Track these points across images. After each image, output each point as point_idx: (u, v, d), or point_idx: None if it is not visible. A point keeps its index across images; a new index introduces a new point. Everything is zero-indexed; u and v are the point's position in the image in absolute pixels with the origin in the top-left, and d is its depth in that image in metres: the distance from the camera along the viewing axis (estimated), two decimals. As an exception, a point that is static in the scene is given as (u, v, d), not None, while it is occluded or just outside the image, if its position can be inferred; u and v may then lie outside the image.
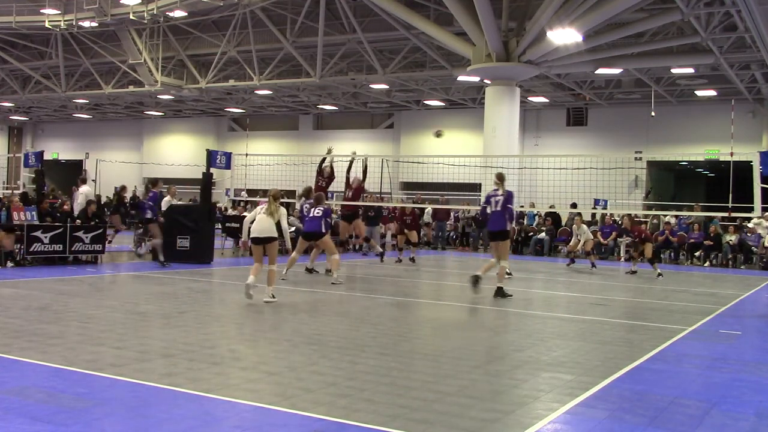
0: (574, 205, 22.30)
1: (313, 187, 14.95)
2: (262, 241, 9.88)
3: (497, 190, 11.27)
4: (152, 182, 15.98)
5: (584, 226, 19.24)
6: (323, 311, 9.61)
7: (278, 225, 9.93)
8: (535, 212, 24.35)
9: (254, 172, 19.49)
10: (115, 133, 45.48)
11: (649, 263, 17.15)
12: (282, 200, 10.32)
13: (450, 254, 23.12)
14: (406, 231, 18.54)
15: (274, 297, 9.81)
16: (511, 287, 13.20)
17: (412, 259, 18.14)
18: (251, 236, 10.08)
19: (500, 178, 11.37)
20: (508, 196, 11.19)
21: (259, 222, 9.90)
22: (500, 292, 11.05)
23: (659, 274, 16.12)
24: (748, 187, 12.83)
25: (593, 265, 18.09)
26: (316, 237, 12.76)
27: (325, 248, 13.07)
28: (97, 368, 5.60)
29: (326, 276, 13.65)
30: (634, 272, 17.27)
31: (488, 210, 11.31)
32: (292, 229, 19.53)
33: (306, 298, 10.74)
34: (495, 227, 11.28)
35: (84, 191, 16.24)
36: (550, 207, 22.78)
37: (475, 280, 11.02)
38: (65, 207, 15.25)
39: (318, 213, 12.65)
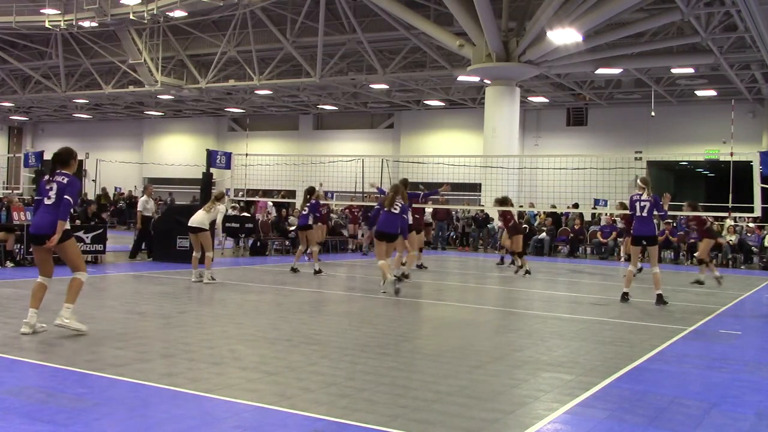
0: (575, 206, 22.30)
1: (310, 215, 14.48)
2: (193, 230, 11.99)
3: (641, 194, 11.00)
4: (309, 191, 14.76)
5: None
6: (323, 311, 9.61)
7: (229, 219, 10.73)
8: (536, 212, 24.35)
9: (254, 172, 19.49)
10: (115, 133, 45.50)
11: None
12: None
13: (450, 254, 23.11)
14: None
15: (213, 278, 11.82)
16: (512, 287, 13.20)
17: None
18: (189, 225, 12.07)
19: (645, 183, 11.16)
20: (656, 201, 11.01)
21: (196, 214, 12.03)
22: (661, 299, 10.89)
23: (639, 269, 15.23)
24: (748, 187, 12.81)
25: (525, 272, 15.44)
26: (392, 238, 11.37)
27: (398, 247, 12.18)
28: (97, 368, 5.60)
29: (326, 276, 13.66)
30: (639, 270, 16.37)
31: (635, 215, 11.04)
32: (293, 228, 19.59)
33: (306, 298, 10.74)
34: (643, 232, 10.99)
35: None
36: (552, 207, 22.77)
37: (624, 297, 11.15)
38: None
39: (396, 210, 11.29)
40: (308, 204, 14.21)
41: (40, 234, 6.93)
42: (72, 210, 7.49)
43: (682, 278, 16.92)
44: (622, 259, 21.94)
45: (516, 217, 16.06)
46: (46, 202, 6.93)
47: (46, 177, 7.07)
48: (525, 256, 15.76)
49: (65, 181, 6.95)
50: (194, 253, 12.25)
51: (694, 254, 21.36)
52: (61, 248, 7.04)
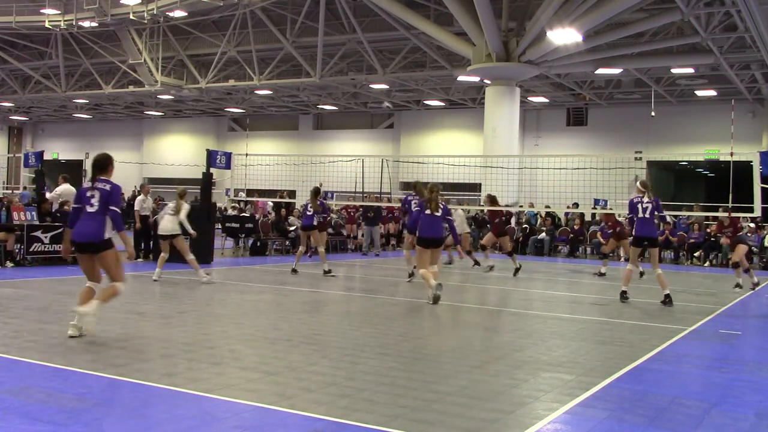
0: (576, 205, 22.31)
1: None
2: (164, 238, 11.99)
3: (642, 197, 11.11)
4: (316, 192, 14.59)
5: (460, 211, 16.89)
6: (323, 311, 9.61)
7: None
8: (536, 212, 24.35)
9: (254, 172, 19.49)
10: (115, 133, 45.50)
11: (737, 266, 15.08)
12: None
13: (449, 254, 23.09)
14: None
15: (208, 273, 11.96)
16: (512, 287, 13.19)
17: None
18: (159, 233, 12.23)
19: (645, 186, 11.28)
20: (657, 203, 11.14)
21: (164, 221, 12.04)
22: (669, 300, 10.94)
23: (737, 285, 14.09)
24: (748, 187, 12.81)
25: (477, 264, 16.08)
26: (439, 244, 10.53)
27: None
28: (97, 368, 5.60)
29: (335, 276, 13.66)
30: (602, 274, 15.92)
31: (635, 217, 11.13)
32: (293, 228, 19.59)
33: (306, 298, 10.74)
34: (646, 233, 11.04)
35: (60, 190, 16.18)
36: (546, 207, 22.76)
37: (623, 296, 11.18)
38: (66, 207, 15.22)
39: (438, 213, 10.38)
40: (318, 203, 13.94)
41: (85, 242, 6.92)
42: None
43: (681, 278, 16.91)
44: (622, 258, 21.96)
45: (505, 217, 16.09)
46: (89, 209, 6.95)
47: (87, 184, 7.13)
48: (517, 255, 15.77)
49: (108, 188, 6.99)
50: (162, 254, 12.16)
51: (714, 258, 21.37)
52: (102, 257, 6.99)
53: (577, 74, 26.99)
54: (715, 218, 21.97)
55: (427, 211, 10.21)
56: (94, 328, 6.77)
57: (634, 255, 11.49)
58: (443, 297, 10.11)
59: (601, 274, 15.90)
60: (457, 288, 12.98)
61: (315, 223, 13.98)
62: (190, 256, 12.01)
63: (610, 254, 16.28)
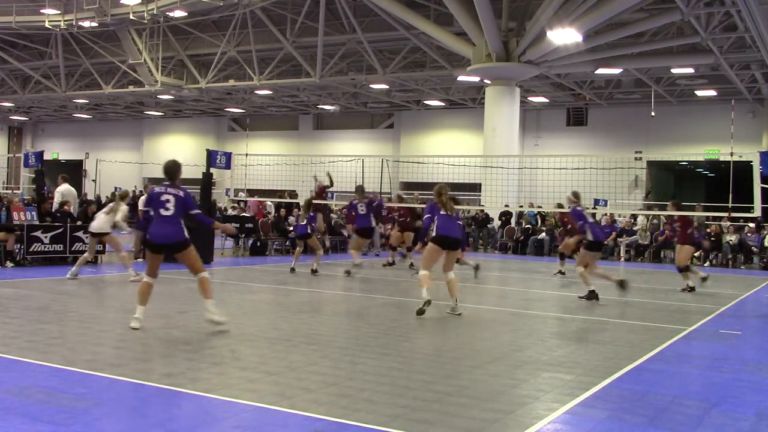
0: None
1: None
2: (95, 235, 12.02)
3: (577, 205, 11.77)
4: (308, 204, 14.83)
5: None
6: (323, 311, 9.61)
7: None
8: (536, 212, 24.33)
9: (254, 172, 19.48)
10: (115, 133, 45.50)
11: (560, 258, 15.81)
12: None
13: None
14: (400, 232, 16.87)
15: (138, 274, 10.96)
16: (511, 287, 13.18)
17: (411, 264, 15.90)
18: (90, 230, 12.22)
19: (577, 197, 11.91)
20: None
21: (97, 219, 12.01)
22: (592, 294, 11.18)
23: (560, 271, 15.25)
24: (748, 187, 12.80)
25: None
26: (457, 245, 9.83)
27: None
28: (97, 368, 5.60)
29: (321, 275, 13.67)
30: (562, 273, 15.56)
31: (585, 224, 11.53)
32: (292, 228, 19.56)
33: (306, 298, 10.74)
34: (603, 238, 11.70)
35: (61, 190, 16.21)
36: (539, 207, 22.75)
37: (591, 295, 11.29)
38: (66, 207, 15.22)
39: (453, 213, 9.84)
40: (308, 216, 14.43)
41: (163, 243, 7.53)
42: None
43: (681, 279, 16.90)
44: (622, 258, 21.96)
45: (414, 214, 15.98)
46: (164, 213, 7.48)
47: (160, 188, 7.64)
48: (518, 255, 15.68)
49: (182, 194, 7.54)
50: (86, 254, 12.24)
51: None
52: (184, 254, 7.58)
53: (577, 74, 26.99)
54: (715, 218, 22.02)
55: (442, 212, 9.50)
56: (222, 318, 7.48)
57: (590, 260, 11.49)
58: (443, 297, 10.09)
59: (561, 273, 15.63)
60: (457, 288, 12.96)
61: (309, 231, 14.47)
62: (122, 253, 12.07)
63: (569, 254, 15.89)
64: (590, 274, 11.36)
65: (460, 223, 10.81)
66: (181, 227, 7.53)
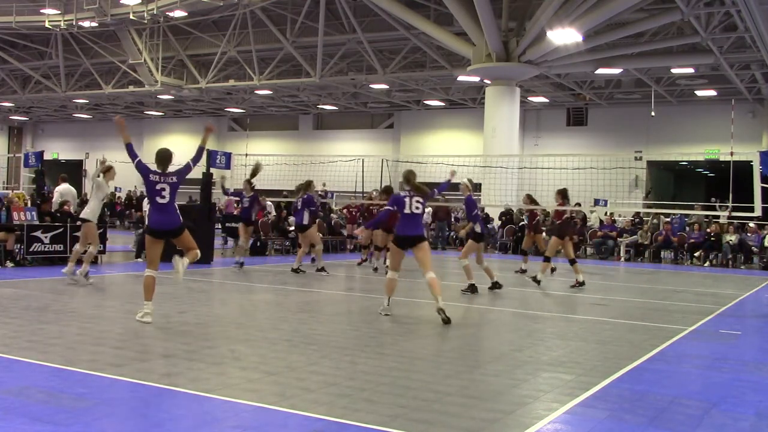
0: (578, 205, 22.29)
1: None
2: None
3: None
4: (303, 186, 14.37)
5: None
6: (323, 311, 9.61)
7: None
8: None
9: (254, 172, 19.44)
10: (115, 133, 44.73)
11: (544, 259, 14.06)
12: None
13: (450, 254, 23.09)
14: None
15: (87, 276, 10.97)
16: (511, 287, 13.19)
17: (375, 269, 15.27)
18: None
19: (470, 183, 11.96)
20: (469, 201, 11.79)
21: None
22: (472, 288, 11.66)
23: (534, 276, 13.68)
24: (748, 187, 12.81)
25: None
26: (418, 242, 8.94)
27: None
28: (97, 368, 5.60)
29: (328, 275, 13.67)
30: (523, 271, 15.10)
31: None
32: (292, 228, 19.56)
33: (306, 298, 10.74)
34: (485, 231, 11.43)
35: (60, 189, 16.21)
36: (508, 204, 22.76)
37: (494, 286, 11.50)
38: (66, 207, 15.22)
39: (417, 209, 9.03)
40: (301, 198, 13.75)
41: (163, 230, 7.97)
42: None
43: (681, 278, 16.93)
44: (622, 258, 21.96)
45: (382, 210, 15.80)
46: (159, 201, 7.92)
47: (153, 178, 7.99)
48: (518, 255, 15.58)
49: (175, 179, 8.04)
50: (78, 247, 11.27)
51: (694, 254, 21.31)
52: (181, 238, 8.10)
53: (577, 74, 26.99)
54: (716, 218, 22.03)
55: (406, 210, 8.96)
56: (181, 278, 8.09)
57: (478, 251, 11.87)
58: (443, 297, 10.07)
59: (523, 271, 15.39)
60: (457, 288, 12.97)
61: (306, 221, 13.79)
62: (91, 249, 11.15)
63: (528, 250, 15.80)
64: (473, 268, 11.59)
65: (420, 211, 9.09)
66: (176, 213, 8.02)
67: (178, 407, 4.75)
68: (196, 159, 8.62)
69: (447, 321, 8.30)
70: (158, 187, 7.93)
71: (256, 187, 15.01)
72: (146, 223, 8.49)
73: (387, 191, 14.32)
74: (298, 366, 5.98)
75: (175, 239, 8.08)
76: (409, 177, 9.11)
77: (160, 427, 4.31)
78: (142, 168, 8.15)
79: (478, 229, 11.60)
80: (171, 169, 8.26)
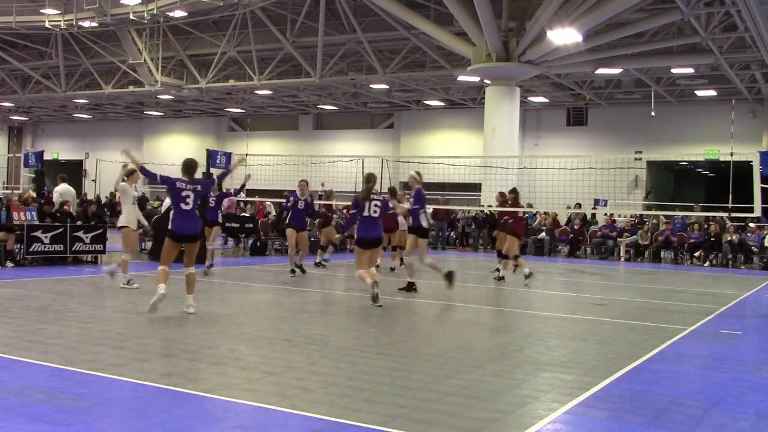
0: (578, 206, 22.31)
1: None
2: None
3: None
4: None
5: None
6: (323, 311, 9.61)
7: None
8: (534, 212, 24.33)
9: (254, 172, 19.42)
10: (115, 133, 45.46)
11: (500, 256, 14.30)
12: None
13: (449, 254, 23.11)
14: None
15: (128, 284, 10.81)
16: (511, 287, 13.19)
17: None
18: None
19: (419, 175, 11.58)
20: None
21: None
22: (411, 287, 11.45)
23: (497, 270, 14.06)
24: (748, 187, 12.81)
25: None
26: (376, 244, 10.09)
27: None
28: (97, 368, 5.60)
29: (319, 274, 13.67)
30: (501, 278, 14.10)
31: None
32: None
33: (306, 298, 10.74)
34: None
35: (59, 190, 16.20)
36: (528, 205, 22.70)
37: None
38: (66, 207, 15.24)
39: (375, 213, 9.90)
40: (305, 200, 13.56)
41: (184, 234, 8.48)
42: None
43: (681, 278, 16.93)
44: (622, 258, 21.96)
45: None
46: (184, 207, 8.45)
47: (179, 185, 8.48)
48: (521, 258, 15.28)
49: (199, 188, 8.57)
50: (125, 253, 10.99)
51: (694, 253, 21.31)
52: (196, 245, 8.66)
53: (577, 74, 26.98)
54: (715, 218, 22.02)
55: (365, 213, 9.76)
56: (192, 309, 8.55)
57: (422, 246, 11.55)
58: (443, 297, 10.10)
59: (498, 271, 14.69)
60: (457, 288, 12.97)
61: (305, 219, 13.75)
62: (125, 255, 10.94)
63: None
64: (419, 263, 11.44)
65: (378, 214, 9.88)
66: (198, 220, 8.62)
67: (178, 407, 4.75)
68: (222, 176, 9.83)
69: (375, 299, 9.44)
70: (184, 194, 8.44)
71: (247, 187, 14.64)
72: (169, 227, 8.72)
73: (392, 192, 14.42)
74: (298, 366, 5.98)
75: (190, 244, 8.55)
76: (369, 179, 9.91)
77: (160, 427, 4.31)
78: (165, 180, 8.63)
79: (424, 223, 11.40)
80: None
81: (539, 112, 33.97)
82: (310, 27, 26.61)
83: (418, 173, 11.68)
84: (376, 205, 9.74)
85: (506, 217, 13.87)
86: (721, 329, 8.96)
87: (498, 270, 14.43)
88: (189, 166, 8.69)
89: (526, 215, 14.12)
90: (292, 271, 13.35)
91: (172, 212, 8.83)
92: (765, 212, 12.86)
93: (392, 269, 15.29)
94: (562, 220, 25.47)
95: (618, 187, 22.61)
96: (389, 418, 4.60)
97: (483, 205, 23.22)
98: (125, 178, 11.08)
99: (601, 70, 25.03)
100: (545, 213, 24.24)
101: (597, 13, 20.09)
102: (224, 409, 4.72)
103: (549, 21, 20.38)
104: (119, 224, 10.97)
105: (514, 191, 14.24)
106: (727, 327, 9.20)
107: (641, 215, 24.56)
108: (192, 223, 8.50)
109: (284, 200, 15.74)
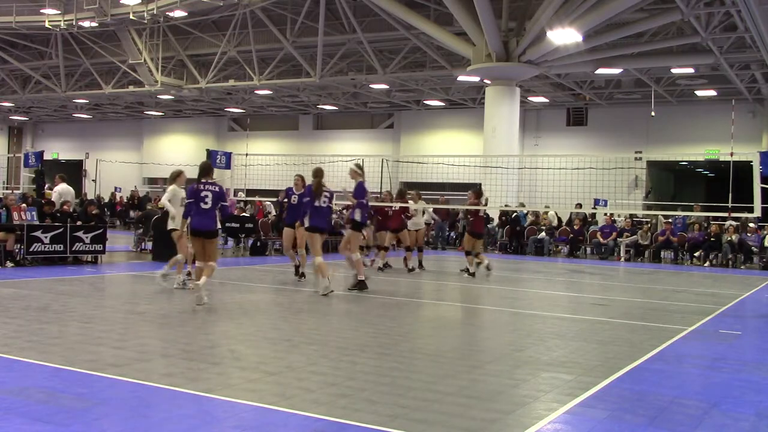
0: (579, 206, 22.29)
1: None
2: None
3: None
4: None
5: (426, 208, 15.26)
6: (323, 311, 9.61)
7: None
8: (526, 212, 24.27)
9: (254, 172, 19.50)
10: (115, 133, 45.49)
11: (465, 254, 14.62)
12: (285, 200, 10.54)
13: (449, 254, 23.11)
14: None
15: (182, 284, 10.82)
16: (511, 287, 13.19)
17: (382, 267, 15.51)
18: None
19: (360, 169, 11.78)
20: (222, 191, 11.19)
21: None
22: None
23: (466, 270, 14.36)
24: (748, 187, 12.81)
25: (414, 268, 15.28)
26: (324, 232, 11.47)
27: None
28: (97, 368, 5.60)
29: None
30: (472, 274, 14.31)
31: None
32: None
33: (306, 298, 10.74)
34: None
35: (58, 190, 16.20)
36: (521, 205, 22.73)
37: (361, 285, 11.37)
38: (66, 207, 15.23)
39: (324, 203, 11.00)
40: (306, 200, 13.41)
41: (201, 230, 9.24)
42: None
43: (681, 278, 16.93)
44: (622, 258, 21.96)
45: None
46: (203, 206, 9.16)
47: (198, 186, 9.22)
48: (471, 255, 14.77)
49: (217, 189, 9.28)
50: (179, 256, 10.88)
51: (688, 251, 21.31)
52: (212, 242, 9.37)
53: (577, 74, 26.98)
54: (715, 218, 22.03)
55: (316, 203, 10.81)
56: (206, 298, 8.93)
57: (355, 242, 11.73)
58: (443, 297, 10.11)
59: (467, 269, 14.77)
60: (457, 288, 12.98)
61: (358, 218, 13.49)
62: (179, 255, 10.81)
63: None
64: (350, 259, 11.54)
65: (327, 205, 11.01)
66: (215, 219, 9.30)
67: (178, 407, 4.75)
68: (227, 209, 9.95)
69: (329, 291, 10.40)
70: (203, 194, 9.14)
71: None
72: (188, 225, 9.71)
73: (401, 194, 14.73)
74: (298, 366, 5.99)
75: (207, 240, 9.22)
76: (317, 173, 10.87)
77: (160, 427, 4.31)
78: (189, 194, 9.39)
79: (358, 217, 11.38)
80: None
81: (539, 112, 33.96)
82: (310, 27, 26.61)
83: (358, 166, 11.90)
84: (326, 196, 10.89)
85: (469, 216, 14.67)
86: (721, 329, 8.96)
87: (467, 269, 14.66)
88: (206, 167, 9.47)
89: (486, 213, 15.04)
90: (296, 273, 12.93)
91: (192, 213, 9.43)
92: (765, 212, 12.88)
93: (411, 269, 15.24)
94: (563, 219, 25.46)
95: (618, 187, 22.62)
96: (389, 418, 4.60)
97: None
98: (174, 179, 11.06)
99: (601, 70, 25.04)
100: (544, 213, 24.21)
101: (597, 13, 20.10)
102: (224, 409, 4.72)
103: (549, 21, 20.39)
104: (170, 227, 10.86)
105: (476, 190, 15.13)
106: (727, 327, 9.20)
107: (632, 215, 24.52)
108: (209, 221, 9.20)
109: (277, 198, 15.73)
